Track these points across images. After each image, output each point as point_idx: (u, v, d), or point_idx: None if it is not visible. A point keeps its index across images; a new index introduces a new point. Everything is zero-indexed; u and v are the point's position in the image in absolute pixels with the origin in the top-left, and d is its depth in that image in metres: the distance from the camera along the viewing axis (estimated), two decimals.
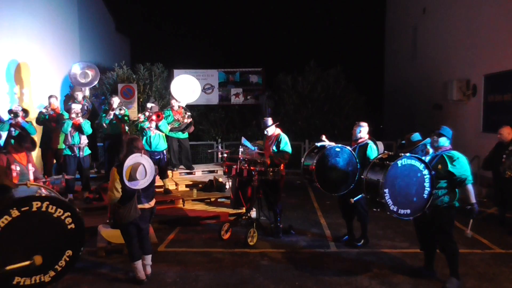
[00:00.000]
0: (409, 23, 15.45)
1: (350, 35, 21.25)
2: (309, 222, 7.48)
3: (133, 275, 4.88)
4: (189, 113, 9.47)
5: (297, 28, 21.94)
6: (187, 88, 10.07)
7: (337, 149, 5.71)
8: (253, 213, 6.82)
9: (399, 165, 4.47)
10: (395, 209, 4.49)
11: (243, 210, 6.66)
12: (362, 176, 4.93)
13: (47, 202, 3.10)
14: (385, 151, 4.95)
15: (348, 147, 5.81)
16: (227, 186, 8.64)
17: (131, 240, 4.82)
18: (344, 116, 13.37)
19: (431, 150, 4.79)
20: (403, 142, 4.91)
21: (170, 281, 4.93)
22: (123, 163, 4.51)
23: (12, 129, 7.64)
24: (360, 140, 5.96)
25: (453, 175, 4.54)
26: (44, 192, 3.27)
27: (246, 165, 6.37)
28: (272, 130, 6.71)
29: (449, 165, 4.54)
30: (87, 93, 9.66)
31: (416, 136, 4.86)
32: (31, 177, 5.45)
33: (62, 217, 3.19)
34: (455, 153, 4.62)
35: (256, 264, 5.44)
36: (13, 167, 5.27)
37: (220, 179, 8.94)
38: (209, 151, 9.95)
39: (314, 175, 5.59)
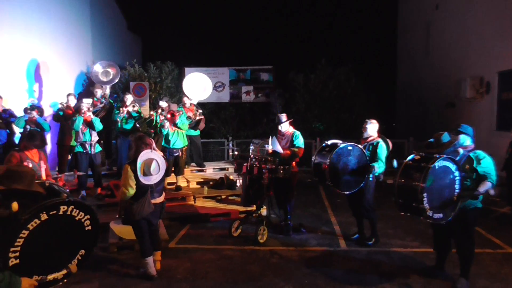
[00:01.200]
0: (422, 20, 15.28)
1: (362, 32, 21.10)
2: (320, 220, 7.46)
3: (144, 271, 4.93)
4: (201, 111, 9.51)
5: (308, 26, 21.87)
6: (199, 85, 10.10)
7: (349, 148, 5.68)
8: (264, 211, 6.83)
9: (437, 167, 4.28)
10: (430, 214, 4.27)
11: (254, 207, 6.67)
12: (388, 182, 4.69)
13: (72, 206, 3.26)
14: (414, 152, 4.78)
15: (359, 146, 5.78)
16: (238, 184, 8.66)
17: (142, 236, 4.88)
18: (355, 114, 13.30)
19: (461, 151, 4.63)
20: (431, 140, 4.74)
21: (180, 277, 4.97)
22: (135, 160, 4.59)
23: (28, 126, 7.77)
24: (370, 139, 5.93)
25: (477, 173, 4.42)
26: (64, 191, 3.42)
27: (256, 163, 6.38)
28: (286, 126, 6.66)
29: (475, 164, 4.44)
30: (108, 91, 9.78)
31: (446, 136, 4.67)
32: (43, 174, 5.54)
33: (83, 220, 3.33)
34: (481, 153, 4.50)
35: (266, 262, 5.46)
36: (25, 164, 5.37)
37: (231, 177, 8.97)
38: (220, 148, 9.99)
39: (327, 173, 5.57)
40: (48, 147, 9.78)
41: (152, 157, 4.63)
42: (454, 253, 4.86)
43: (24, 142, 5.75)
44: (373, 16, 20.94)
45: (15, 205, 2.71)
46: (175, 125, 8.17)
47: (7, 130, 7.95)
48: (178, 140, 8.24)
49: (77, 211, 3.31)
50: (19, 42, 9.57)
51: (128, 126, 8.94)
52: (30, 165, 5.42)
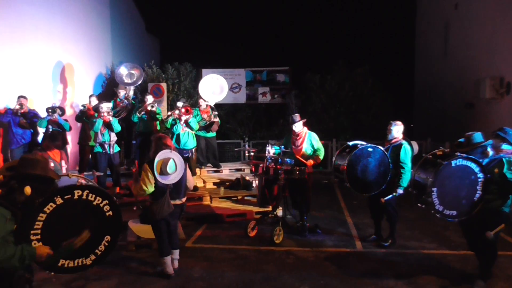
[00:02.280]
0: (441, 19, 15.07)
1: (379, 33, 20.92)
2: (336, 221, 7.45)
3: (161, 270, 5.01)
4: (216, 113, 9.56)
5: (324, 26, 21.77)
6: (215, 87, 10.19)
7: (370, 149, 5.62)
8: (280, 212, 6.85)
9: (453, 165, 4.31)
10: (440, 209, 4.37)
11: (270, 208, 6.70)
12: (412, 171, 4.81)
13: (87, 191, 3.34)
14: (441, 147, 4.78)
15: (381, 147, 5.71)
16: (254, 185, 8.71)
17: (161, 235, 4.95)
18: (372, 115, 13.22)
19: (491, 153, 4.53)
20: (462, 140, 4.69)
21: (197, 276, 5.03)
22: (154, 159, 4.65)
23: (50, 126, 7.99)
24: (393, 140, 5.83)
25: (504, 178, 4.32)
26: (84, 182, 3.50)
27: (272, 163, 6.40)
28: (300, 126, 6.64)
29: (506, 169, 4.32)
30: (131, 92, 10.01)
31: (478, 136, 4.59)
32: (64, 173, 5.70)
33: (101, 205, 3.41)
34: None
35: (281, 262, 5.48)
36: None
37: (247, 178, 9.01)
38: (236, 149, 10.03)
39: (345, 175, 5.56)
40: (70, 147, 10.00)
41: (170, 156, 4.67)
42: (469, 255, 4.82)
43: (46, 142, 5.92)
44: (391, 17, 20.74)
45: (27, 189, 2.86)
46: (187, 124, 8.25)
47: (31, 130, 8.18)
48: (189, 141, 8.32)
49: (93, 195, 3.37)
50: (42, 45, 9.83)
51: (147, 126, 9.06)
52: (52, 164, 5.58)
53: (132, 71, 10.19)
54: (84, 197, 3.33)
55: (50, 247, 3.01)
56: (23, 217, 2.97)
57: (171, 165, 4.63)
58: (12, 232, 2.83)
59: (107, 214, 3.43)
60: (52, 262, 3.19)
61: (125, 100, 9.50)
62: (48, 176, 2.99)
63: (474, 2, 12.38)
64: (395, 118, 6.22)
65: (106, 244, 3.48)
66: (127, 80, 10.07)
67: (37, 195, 3.01)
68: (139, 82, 10.38)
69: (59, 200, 3.21)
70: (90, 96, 8.96)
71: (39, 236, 3.16)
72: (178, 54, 15.68)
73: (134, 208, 5.77)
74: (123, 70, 10.18)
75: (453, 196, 4.36)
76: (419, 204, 4.68)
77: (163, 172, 4.61)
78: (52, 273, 3.33)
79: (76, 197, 3.30)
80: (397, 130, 5.85)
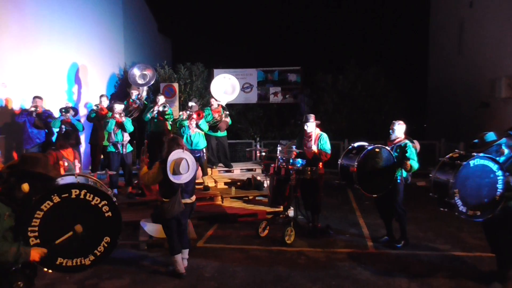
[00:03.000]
0: (455, 17, 14.87)
1: (392, 31, 20.69)
2: (348, 222, 7.40)
3: (172, 269, 5.04)
4: (227, 112, 9.57)
5: (336, 26, 21.63)
6: (227, 87, 10.20)
7: (376, 150, 5.61)
8: (291, 212, 6.83)
9: (471, 165, 4.36)
10: (464, 210, 4.41)
11: (281, 208, 6.68)
12: (430, 175, 4.83)
13: (85, 190, 3.34)
14: (456, 150, 4.81)
15: (387, 147, 5.71)
16: (265, 185, 8.69)
17: (172, 234, 5.00)
18: (384, 114, 13.10)
19: (506, 151, 4.56)
20: (476, 141, 4.71)
21: (209, 276, 5.05)
22: (166, 159, 4.72)
23: (63, 126, 8.09)
24: (397, 140, 5.84)
25: None
26: (82, 180, 3.49)
27: (284, 163, 6.39)
28: (312, 127, 6.59)
29: None
30: (144, 93, 10.10)
31: (491, 135, 4.63)
32: (77, 172, 5.77)
33: (100, 205, 3.40)
34: None
35: (293, 263, 5.47)
36: (61, 162, 5.62)
37: (258, 178, 9.00)
38: (248, 149, 10.01)
39: (355, 176, 5.53)
40: (82, 147, 10.12)
41: (182, 157, 4.75)
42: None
43: (60, 141, 5.99)
44: (404, 15, 20.51)
45: (25, 186, 2.90)
46: (197, 126, 8.28)
47: (46, 130, 8.29)
48: (200, 141, 8.34)
49: (91, 195, 3.37)
50: (57, 46, 9.96)
51: (159, 126, 9.11)
52: (66, 164, 5.66)
53: (145, 72, 10.28)
54: (81, 196, 3.32)
55: (47, 245, 3.06)
56: (21, 213, 3.01)
57: (184, 165, 4.71)
58: (11, 228, 2.88)
59: (106, 214, 3.43)
60: (49, 260, 3.21)
61: (138, 101, 9.57)
62: (47, 175, 3.01)
63: (489, 0, 12.19)
64: (407, 118, 6.17)
65: (106, 245, 3.47)
66: (140, 81, 10.16)
67: (35, 193, 3.04)
68: (152, 83, 10.45)
69: (56, 199, 3.22)
70: (101, 96, 9.01)
71: (36, 234, 3.17)
72: (190, 54, 15.73)
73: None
74: (136, 71, 10.27)
75: (475, 196, 4.40)
76: (441, 208, 4.67)
77: (176, 172, 4.68)
78: (50, 270, 3.36)
79: (73, 196, 3.29)
80: (400, 129, 5.86)
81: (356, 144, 5.91)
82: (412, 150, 5.68)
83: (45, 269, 3.31)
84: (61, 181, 3.38)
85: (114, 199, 3.50)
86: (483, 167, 4.34)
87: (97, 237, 3.44)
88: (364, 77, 13.46)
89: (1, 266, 2.84)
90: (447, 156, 4.81)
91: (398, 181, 5.76)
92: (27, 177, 2.92)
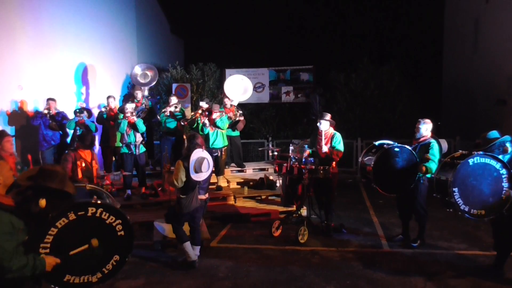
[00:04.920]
0: (471, 15, 14.64)
1: (406, 30, 20.47)
2: (361, 221, 7.34)
3: (183, 259, 5.14)
4: (241, 112, 9.57)
5: (349, 24, 21.49)
6: (239, 87, 10.21)
7: (396, 149, 5.51)
8: (304, 211, 6.81)
9: (470, 163, 4.34)
10: (466, 209, 4.40)
11: (294, 208, 6.66)
12: (433, 176, 4.82)
13: (101, 209, 3.37)
14: (459, 150, 4.77)
15: (408, 146, 5.59)
16: (278, 184, 8.68)
17: (178, 224, 5.25)
18: (398, 113, 12.96)
19: (510, 148, 4.50)
20: (479, 140, 4.70)
21: (222, 276, 5.05)
22: (187, 156, 5.03)
23: (77, 127, 8.19)
24: (422, 139, 5.70)
25: None
26: (100, 194, 3.54)
27: (296, 163, 6.36)
28: (326, 126, 6.51)
29: None
30: (146, 93, 10.13)
31: (493, 133, 4.61)
32: (95, 173, 5.85)
33: (114, 224, 3.43)
34: None
35: (306, 262, 5.44)
36: (78, 163, 5.70)
37: (271, 177, 8.99)
38: (260, 149, 10.00)
39: (372, 176, 5.48)
40: (96, 148, 10.23)
41: (203, 156, 5.08)
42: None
43: (79, 142, 6.07)
44: (418, 13, 20.28)
45: (42, 202, 2.82)
46: (215, 125, 8.29)
47: (60, 132, 8.39)
48: (218, 140, 8.33)
49: (107, 214, 3.39)
50: (71, 49, 10.11)
51: (171, 125, 9.15)
52: (83, 165, 5.73)
53: (147, 72, 10.32)
54: (97, 215, 3.36)
55: (61, 255, 3.05)
56: (35, 229, 2.98)
57: (205, 165, 5.04)
58: (23, 242, 2.81)
59: (119, 233, 3.45)
60: (57, 276, 3.21)
61: (143, 101, 9.60)
62: (65, 191, 2.99)
63: None
64: (422, 116, 6.07)
65: (114, 263, 3.49)
66: (141, 80, 10.20)
67: (52, 209, 2.96)
68: (153, 83, 10.51)
69: (72, 216, 3.25)
70: (108, 97, 9.02)
71: (48, 250, 3.19)
72: (202, 55, 15.80)
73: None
74: (137, 70, 10.33)
75: (477, 195, 4.37)
76: (447, 209, 4.69)
77: (197, 170, 5.00)
78: (57, 287, 3.37)
79: (89, 214, 3.33)
80: (426, 128, 5.71)
81: (377, 142, 5.83)
82: (436, 149, 5.51)
83: (52, 286, 3.34)
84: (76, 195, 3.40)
85: (128, 217, 3.55)
86: (485, 165, 4.32)
87: (107, 255, 3.46)
88: (377, 76, 13.33)
89: (14, 282, 2.76)
90: (449, 156, 4.81)
91: (421, 181, 5.62)
92: (45, 192, 2.84)
